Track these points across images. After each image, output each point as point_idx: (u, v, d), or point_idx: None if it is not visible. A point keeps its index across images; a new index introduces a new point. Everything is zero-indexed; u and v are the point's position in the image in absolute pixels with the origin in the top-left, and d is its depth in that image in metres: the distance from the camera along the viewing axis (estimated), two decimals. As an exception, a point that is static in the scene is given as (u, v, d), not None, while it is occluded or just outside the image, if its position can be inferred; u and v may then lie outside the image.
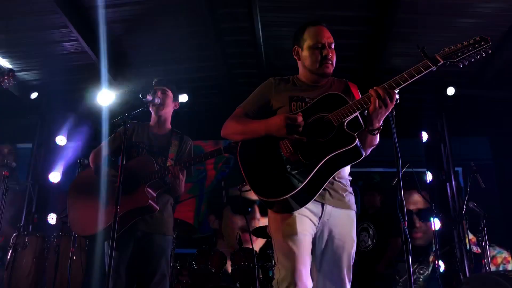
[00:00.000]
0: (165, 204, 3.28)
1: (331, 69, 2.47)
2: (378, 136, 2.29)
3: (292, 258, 2.16)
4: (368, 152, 2.39)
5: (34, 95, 7.61)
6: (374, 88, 2.14)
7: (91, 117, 7.81)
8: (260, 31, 6.53)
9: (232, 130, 2.45)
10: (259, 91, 2.57)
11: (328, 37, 2.48)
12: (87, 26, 6.37)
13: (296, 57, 2.59)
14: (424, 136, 7.68)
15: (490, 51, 2.14)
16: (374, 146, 2.37)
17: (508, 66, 6.71)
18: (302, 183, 2.10)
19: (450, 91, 7.04)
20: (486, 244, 5.12)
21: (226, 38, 7.01)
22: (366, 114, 2.21)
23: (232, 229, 7.22)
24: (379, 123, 2.20)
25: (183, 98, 7.51)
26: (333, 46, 2.49)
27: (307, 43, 2.48)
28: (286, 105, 2.41)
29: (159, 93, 3.34)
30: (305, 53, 2.49)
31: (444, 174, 7.53)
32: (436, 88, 7.22)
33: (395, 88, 2.13)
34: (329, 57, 2.43)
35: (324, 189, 2.27)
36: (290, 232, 2.21)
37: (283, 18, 6.44)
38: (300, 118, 2.18)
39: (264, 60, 7.27)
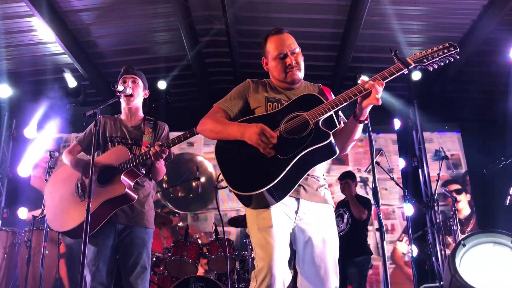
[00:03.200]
0: (147, 196, 3.23)
1: (298, 75, 2.48)
2: (361, 129, 2.34)
3: (267, 249, 2.17)
4: (349, 148, 2.45)
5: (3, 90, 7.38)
6: (370, 82, 2.18)
7: (61, 108, 7.62)
8: (233, 19, 6.48)
9: (209, 128, 2.44)
10: (237, 90, 2.57)
11: (289, 45, 2.46)
12: (54, 15, 6.19)
13: (265, 68, 2.61)
14: (397, 123, 7.79)
15: (458, 57, 2.27)
16: (355, 141, 2.41)
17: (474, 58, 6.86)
18: (277, 178, 2.12)
19: (416, 76, 7.17)
20: (458, 228, 5.26)
21: (199, 27, 6.94)
22: (358, 106, 2.24)
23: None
24: (367, 112, 2.26)
25: (161, 85, 7.45)
26: (297, 51, 2.47)
27: (270, 54, 2.50)
28: (262, 105, 2.44)
29: (129, 83, 3.27)
30: (270, 64, 2.52)
31: (416, 160, 7.69)
32: (408, 76, 7.33)
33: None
34: (293, 64, 2.43)
35: (299, 185, 2.28)
36: (266, 225, 2.22)
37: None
38: (274, 135, 2.18)
39: (237, 49, 7.23)
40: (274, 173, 2.13)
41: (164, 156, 3.00)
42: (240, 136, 2.27)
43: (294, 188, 2.23)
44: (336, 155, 2.24)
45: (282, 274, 2.15)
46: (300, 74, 2.49)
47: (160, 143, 2.97)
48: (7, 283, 5.31)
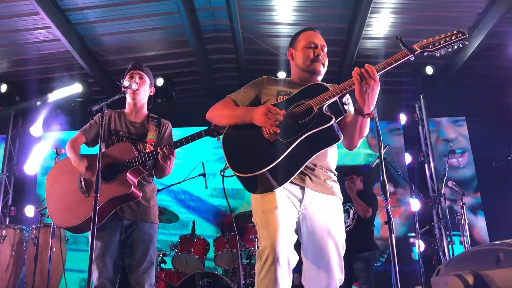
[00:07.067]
0: (152, 192, 3.23)
1: (321, 69, 2.53)
2: (368, 124, 2.30)
3: (271, 228, 2.16)
4: (358, 144, 2.41)
5: (3, 87, 7.39)
6: (355, 69, 2.18)
7: (67, 105, 7.63)
8: (238, 15, 6.47)
9: (218, 112, 2.49)
10: (250, 84, 2.62)
11: (321, 40, 2.56)
12: (59, 12, 6.21)
13: (290, 59, 2.65)
14: (403, 118, 7.75)
15: (466, 43, 2.24)
16: (363, 137, 2.37)
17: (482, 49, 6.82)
18: (277, 159, 2.14)
19: (429, 70, 7.13)
20: (466, 222, 5.22)
21: (203, 23, 6.93)
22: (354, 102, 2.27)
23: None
24: (369, 107, 2.20)
25: (158, 82, 7.45)
26: (325, 50, 2.57)
27: (301, 44, 2.56)
28: (272, 98, 2.48)
29: (136, 78, 3.25)
30: (298, 53, 2.56)
31: (422, 155, 7.65)
32: (414, 70, 7.29)
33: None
34: (320, 57, 2.50)
35: (304, 174, 2.30)
36: (270, 207, 2.23)
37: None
38: (281, 112, 2.23)
39: (242, 45, 7.22)
40: (275, 155, 2.16)
41: (172, 158, 3.01)
42: (248, 118, 2.31)
43: (298, 174, 2.24)
44: (339, 141, 2.25)
45: (286, 252, 2.14)
46: (323, 70, 2.54)
47: (166, 144, 2.97)
48: (14, 280, 5.34)
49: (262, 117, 2.23)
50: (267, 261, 2.11)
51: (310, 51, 2.51)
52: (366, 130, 2.33)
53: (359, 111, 2.23)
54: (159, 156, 2.96)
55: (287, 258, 2.14)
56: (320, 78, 2.57)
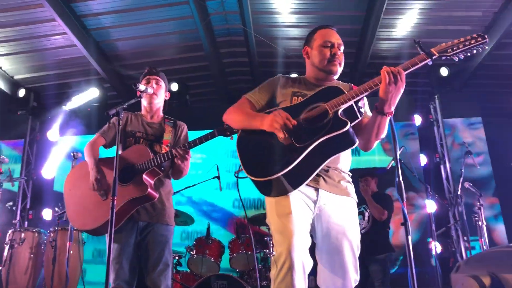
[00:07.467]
0: (167, 194, 3.26)
1: (338, 68, 2.50)
2: (386, 125, 2.29)
3: (286, 234, 2.16)
4: (374, 145, 2.40)
5: (21, 92, 7.53)
6: (384, 67, 2.15)
7: (83, 110, 7.73)
8: (251, 18, 6.49)
9: (233, 117, 2.49)
10: (266, 84, 2.60)
11: (337, 39, 2.52)
12: (75, 18, 6.30)
13: (305, 57, 2.62)
14: (418, 119, 7.68)
15: (486, 47, 2.17)
16: (380, 139, 2.36)
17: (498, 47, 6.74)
18: (292, 164, 2.14)
19: (444, 71, 7.05)
20: (483, 223, 5.16)
21: (216, 27, 6.97)
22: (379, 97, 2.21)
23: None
24: (390, 107, 2.19)
25: (173, 87, 7.49)
26: (342, 49, 2.54)
27: (317, 42, 2.52)
28: (287, 99, 2.46)
29: (152, 83, 3.30)
30: (314, 51, 2.53)
31: (438, 156, 7.58)
32: (428, 71, 7.24)
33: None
34: (337, 55, 2.47)
35: (318, 175, 2.29)
36: (285, 212, 2.22)
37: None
38: (292, 121, 2.20)
39: (255, 49, 7.24)
40: (290, 159, 2.16)
41: (188, 158, 3.03)
42: (260, 125, 2.30)
43: (313, 177, 2.23)
44: (354, 145, 2.24)
45: (302, 258, 2.14)
46: (339, 69, 2.51)
47: (181, 145, 3.00)
48: (33, 282, 5.41)
49: (270, 122, 2.22)
50: (283, 268, 2.12)
51: (327, 50, 2.47)
52: (384, 132, 2.31)
53: (379, 109, 2.21)
54: (176, 159, 2.99)
55: (303, 264, 2.14)
56: (336, 77, 2.55)
